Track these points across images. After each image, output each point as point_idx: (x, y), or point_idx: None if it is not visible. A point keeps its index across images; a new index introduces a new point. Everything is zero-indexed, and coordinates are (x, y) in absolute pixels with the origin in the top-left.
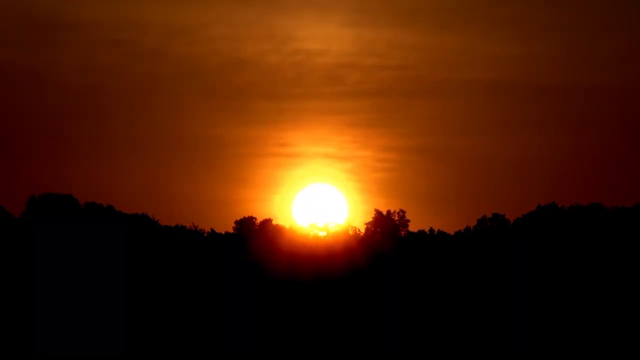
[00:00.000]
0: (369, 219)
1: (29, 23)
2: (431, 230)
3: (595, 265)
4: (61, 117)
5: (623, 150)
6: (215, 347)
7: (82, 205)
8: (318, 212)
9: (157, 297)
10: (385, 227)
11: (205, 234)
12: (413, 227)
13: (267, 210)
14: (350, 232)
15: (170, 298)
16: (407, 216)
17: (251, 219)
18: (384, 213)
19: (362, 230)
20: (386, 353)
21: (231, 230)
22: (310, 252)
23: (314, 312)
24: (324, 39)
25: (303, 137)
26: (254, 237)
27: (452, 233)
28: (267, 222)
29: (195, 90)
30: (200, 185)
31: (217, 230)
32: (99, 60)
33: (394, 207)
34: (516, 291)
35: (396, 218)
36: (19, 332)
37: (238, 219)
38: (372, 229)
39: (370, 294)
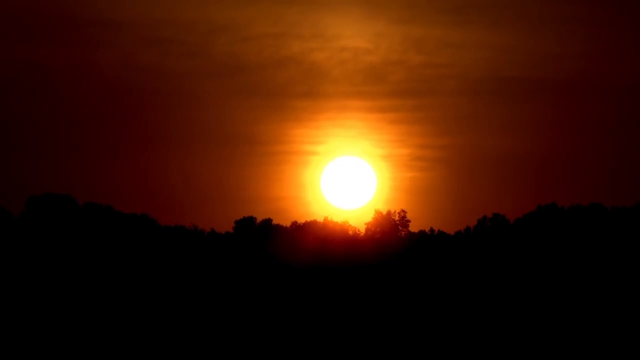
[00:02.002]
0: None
1: (68, 22)
2: (431, 230)
3: (595, 265)
4: (66, 117)
5: (623, 150)
6: (215, 347)
7: (82, 205)
8: (346, 187)
9: (157, 297)
10: (386, 227)
11: (205, 234)
12: (415, 227)
13: (303, 208)
14: (350, 233)
15: (170, 298)
16: (414, 215)
17: (251, 219)
18: (384, 213)
19: (362, 231)
20: (386, 353)
21: (231, 230)
22: (311, 253)
23: (314, 312)
24: (373, 36)
25: (339, 135)
26: (254, 238)
27: (452, 233)
28: (267, 221)
29: (235, 89)
30: (226, 183)
31: (217, 230)
32: (139, 60)
33: (417, 204)
34: (516, 291)
35: (397, 218)
36: (19, 332)
37: (238, 218)
38: (373, 229)
39: (371, 294)
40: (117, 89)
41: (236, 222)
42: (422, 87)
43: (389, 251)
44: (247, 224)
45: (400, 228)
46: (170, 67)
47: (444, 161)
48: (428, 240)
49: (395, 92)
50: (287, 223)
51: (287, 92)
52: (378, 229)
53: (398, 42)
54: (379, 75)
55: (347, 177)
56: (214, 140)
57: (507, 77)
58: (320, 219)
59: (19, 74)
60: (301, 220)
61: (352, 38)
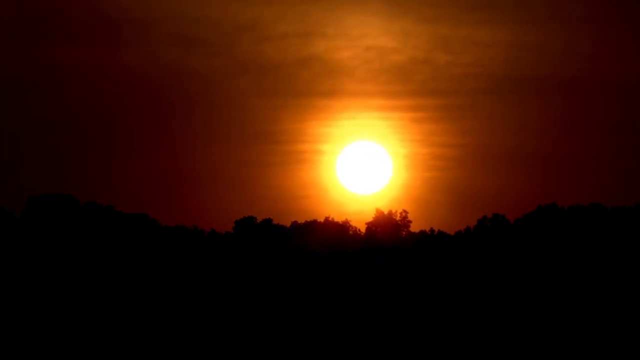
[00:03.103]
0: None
1: (90, 21)
2: (431, 230)
3: (595, 265)
4: (68, 117)
5: (623, 150)
6: (215, 347)
7: (82, 205)
8: (362, 172)
9: (158, 298)
10: (387, 227)
11: (205, 234)
12: (418, 226)
13: (323, 207)
14: (351, 232)
15: (171, 298)
16: (418, 215)
17: (251, 219)
18: (385, 213)
19: (363, 230)
20: (386, 354)
21: (231, 230)
22: (310, 253)
23: (313, 312)
24: (400, 35)
25: (361, 133)
26: (254, 238)
27: (452, 233)
28: (267, 221)
29: (259, 88)
30: (242, 183)
31: (217, 230)
32: (161, 59)
33: (421, 204)
34: (516, 291)
35: (398, 218)
36: (19, 332)
37: (238, 218)
38: (373, 229)
39: (371, 294)
40: (137, 89)
41: (236, 222)
42: (447, 87)
43: (389, 251)
44: (247, 224)
45: (402, 228)
46: (193, 67)
47: (457, 161)
48: (428, 240)
49: (421, 92)
50: (300, 221)
51: (311, 91)
52: (379, 229)
53: (425, 41)
54: (405, 75)
55: (364, 160)
56: (234, 139)
57: (520, 77)
58: (320, 219)
59: (24, 73)
60: (314, 218)
61: (379, 37)
